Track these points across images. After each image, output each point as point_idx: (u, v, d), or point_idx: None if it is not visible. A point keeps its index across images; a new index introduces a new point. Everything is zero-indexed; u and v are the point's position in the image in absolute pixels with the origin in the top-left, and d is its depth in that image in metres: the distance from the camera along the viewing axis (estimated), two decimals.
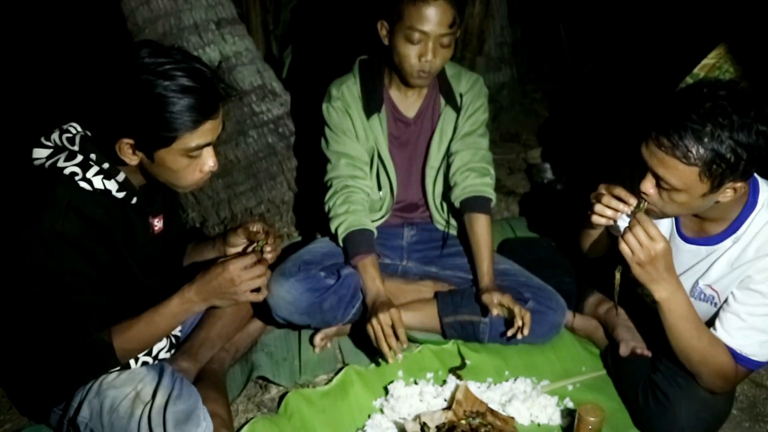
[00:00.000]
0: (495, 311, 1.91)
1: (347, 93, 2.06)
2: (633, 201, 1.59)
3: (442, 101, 2.11)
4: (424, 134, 2.14)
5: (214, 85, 1.45)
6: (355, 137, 2.07)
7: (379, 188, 2.15)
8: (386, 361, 1.85)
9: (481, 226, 2.06)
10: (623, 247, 1.55)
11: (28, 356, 1.60)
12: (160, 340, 1.65)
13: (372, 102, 2.06)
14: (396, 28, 1.89)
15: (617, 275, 1.65)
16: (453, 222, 2.23)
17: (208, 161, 1.52)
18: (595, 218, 1.66)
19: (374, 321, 1.84)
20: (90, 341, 1.50)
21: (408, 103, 2.11)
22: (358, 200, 2.05)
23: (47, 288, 1.44)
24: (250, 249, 1.71)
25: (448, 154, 2.14)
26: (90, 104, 1.44)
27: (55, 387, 1.62)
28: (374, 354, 2.02)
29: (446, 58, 1.95)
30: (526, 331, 1.89)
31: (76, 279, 1.46)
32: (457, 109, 2.10)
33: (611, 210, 1.63)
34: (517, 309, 1.90)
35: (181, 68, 1.40)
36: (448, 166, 2.13)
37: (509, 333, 1.93)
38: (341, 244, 2.04)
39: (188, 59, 1.43)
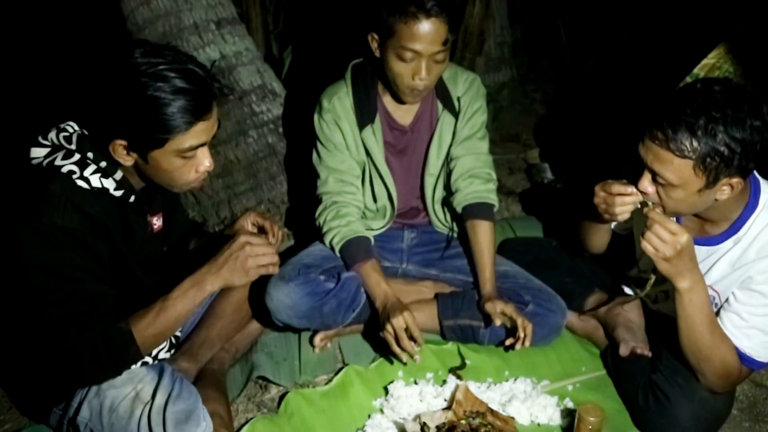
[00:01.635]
0: (498, 321, 1.90)
1: (338, 105, 2.00)
2: (634, 190, 1.60)
3: (439, 106, 2.04)
4: (422, 141, 2.08)
5: (207, 85, 1.44)
6: (345, 149, 2.02)
7: (375, 200, 2.12)
8: (403, 363, 1.88)
9: (483, 232, 2.03)
10: (646, 246, 1.53)
11: (33, 357, 1.58)
12: (179, 324, 1.60)
13: (365, 114, 2.00)
14: (387, 44, 1.82)
15: (653, 277, 1.66)
16: (454, 225, 2.20)
17: (204, 161, 1.51)
18: (620, 210, 1.63)
19: (388, 327, 1.82)
20: (108, 331, 1.47)
21: (403, 110, 2.04)
22: (350, 212, 2.02)
23: (53, 282, 1.42)
24: None
25: (448, 160, 2.09)
26: (84, 105, 1.43)
27: (70, 386, 1.59)
28: (379, 352, 2.02)
29: (441, 72, 1.89)
30: (527, 343, 1.87)
31: (81, 272, 1.44)
32: (456, 114, 2.04)
33: (630, 198, 1.61)
34: (519, 320, 1.88)
35: (174, 69, 1.39)
36: (449, 172, 2.09)
37: (507, 342, 1.92)
38: (338, 254, 2.02)
39: (181, 60, 1.42)
